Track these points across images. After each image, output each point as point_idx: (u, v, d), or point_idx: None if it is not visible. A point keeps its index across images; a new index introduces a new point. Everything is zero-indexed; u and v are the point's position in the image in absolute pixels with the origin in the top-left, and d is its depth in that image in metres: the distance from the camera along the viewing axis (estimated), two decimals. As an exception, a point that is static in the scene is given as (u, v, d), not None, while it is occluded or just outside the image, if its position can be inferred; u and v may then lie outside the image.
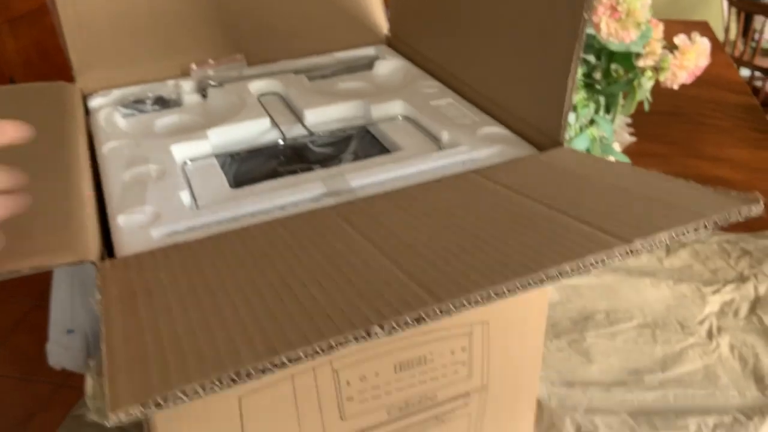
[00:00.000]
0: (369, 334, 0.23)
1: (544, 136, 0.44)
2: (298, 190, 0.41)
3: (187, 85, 0.57)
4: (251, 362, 0.22)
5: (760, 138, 1.05)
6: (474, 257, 0.29)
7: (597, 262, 0.27)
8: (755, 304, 0.72)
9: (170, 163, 0.44)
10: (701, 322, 0.71)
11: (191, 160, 0.46)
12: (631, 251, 0.28)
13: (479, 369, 0.46)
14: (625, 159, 0.79)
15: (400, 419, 0.45)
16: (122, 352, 0.24)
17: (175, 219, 0.38)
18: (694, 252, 0.80)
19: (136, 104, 0.54)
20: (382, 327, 0.24)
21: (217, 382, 0.21)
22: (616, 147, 1.01)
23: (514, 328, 0.44)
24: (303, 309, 0.25)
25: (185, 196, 0.41)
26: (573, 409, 0.60)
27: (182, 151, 0.46)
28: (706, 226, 0.29)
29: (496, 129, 0.48)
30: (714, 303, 0.73)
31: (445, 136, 0.47)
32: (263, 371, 0.22)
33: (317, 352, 0.23)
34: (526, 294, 0.42)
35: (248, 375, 0.22)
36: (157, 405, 0.21)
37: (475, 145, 0.45)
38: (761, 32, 2.04)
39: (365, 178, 0.42)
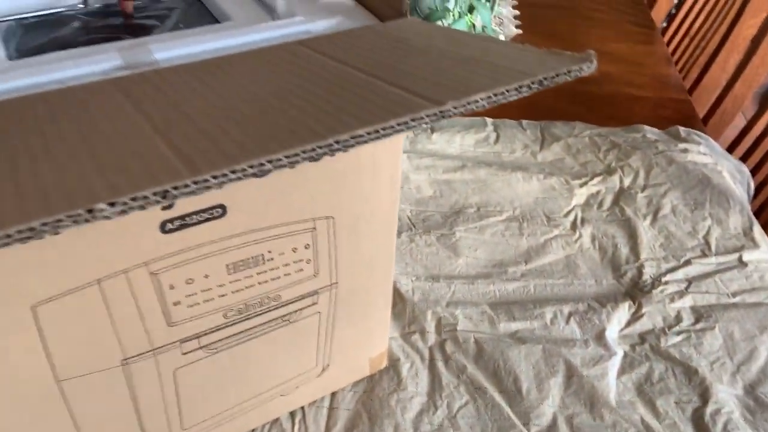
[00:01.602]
0: (92, 214, 0.18)
1: (387, 5, 0.39)
2: (85, 61, 0.34)
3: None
4: None
5: (640, 32, 1.05)
6: (258, 126, 0.24)
7: (400, 126, 0.23)
8: (619, 195, 0.73)
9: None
10: (567, 214, 0.71)
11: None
12: (442, 114, 0.24)
13: (326, 267, 0.43)
14: (504, 49, 0.76)
15: (239, 322, 0.42)
16: None
17: None
18: (566, 146, 0.80)
19: None
20: (112, 205, 0.19)
21: None
22: (501, 39, 0.97)
23: (362, 222, 0.41)
24: (18, 188, 0.20)
25: (-63, 67, 0.33)
26: (435, 302, 0.59)
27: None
28: (530, 86, 0.26)
29: (337, -3, 0.42)
30: (581, 195, 0.73)
31: (280, 5, 0.41)
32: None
33: (14, 239, 0.17)
34: (368, 184, 0.38)
35: None
36: None
37: (312, 16, 0.40)
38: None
39: (174, 49, 0.35)
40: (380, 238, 0.44)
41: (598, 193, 0.74)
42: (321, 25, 0.39)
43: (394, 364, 0.54)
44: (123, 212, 0.19)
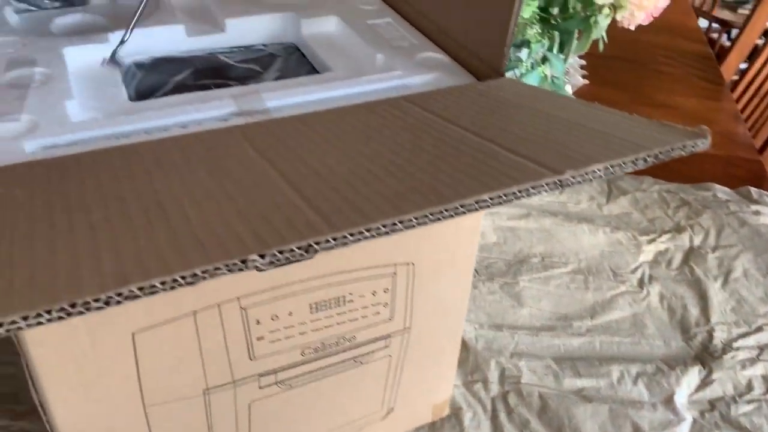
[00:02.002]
0: (246, 264, 0.20)
1: (485, 65, 0.41)
2: (204, 107, 0.36)
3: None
4: (92, 293, 0.18)
5: (710, 88, 1.05)
6: (384, 184, 0.25)
7: (521, 193, 0.24)
8: (689, 255, 0.72)
9: (60, 68, 0.38)
10: (634, 271, 0.70)
11: (87, 65, 0.40)
12: (561, 183, 0.25)
13: (402, 311, 0.43)
14: (575, 101, 0.76)
15: (315, 360, 0.43)
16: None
17: (55, 131, 0.33)
18: (634, 200, 0.79)
19: None
20: (262, 257, 0.20)
21: (45, 315, 0.17)
22: (568, 89, 0.98)
23: (440, 270, 0.41)
24: (172, 232, 0.21)
25: (72, 107, 0.35)
26: (499, 352, 0.59)
27: (77, 54, 0.40)
28: (646, 159, 0.26)
29: (435, 54, 0.43)
30: (648, 252, 0.72)
31: (379, 59, 0.43)
32: (107, 303, 0.18)
33: (179, 283, 0.19)
34: (451, 232, 0.39)
35: (87, 307, 0.18)
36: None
37: (411, 71, 0.41)
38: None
39: (284, 98, 0.37)
40: (456, 285, 0.45)
41: (666, 250, 0.73)
42: (419, 80, 0.41)
43: (456, 412, 0.54)
44: (272, 263, 0.20)
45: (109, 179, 0.26)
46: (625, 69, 1.09)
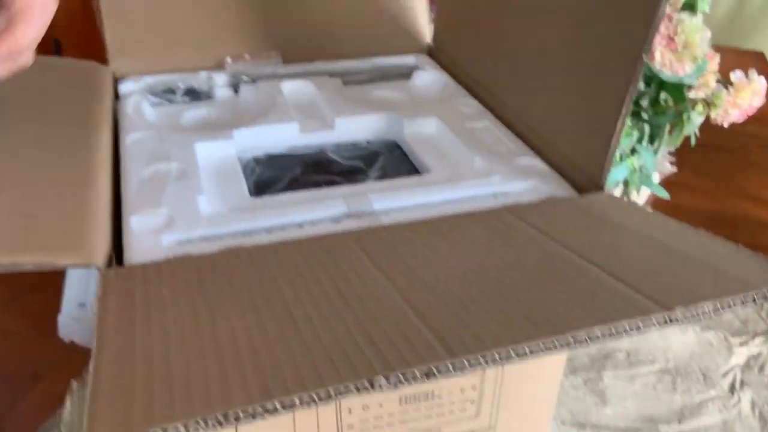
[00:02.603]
0: (372, 385, 0.22)
1: (585, 176, 0.42)
2: (318, 207, 0.39)
3: (220, 79, 0.56)
4: (242, 404, 0.20)
5: (808, 184, 1.01)
6: (497, 306, 0.27)
7: (631, 329, 0.25)
8: (786, 361, 0.68)
9: (192, 163, 0.43)
10: (725, 374, 0.67)
11: (214, 160, 0.45)
12: (671, 320, 0.26)
13: (488, 409, 0.44)
14: (664, 194, 0.76)
15: (401, 451, 0.43)
16: (109, 377, 0.22)
17: (188, 226, 0.36)
18: (727, 299, 0.76)
19: (166, 93, 0.53)
20: (387, 379, 0.22)
21: (202, 424, 0.19)
22: (656, 177, 0.97)
23: (530, 371, 0.42)
24: (305, 347, 0.24)
25: (202, 202, 0.39)
26: (583, 454, 0.57)
27: (206, 150, 0.45)
28: (755, 300, 0.27)
29: (532, 161, 0.45)
30: (740, 355, 0.69)
31: (477, 162, 0.45)
32: (253, 416, 0.20)
33: (314, 400, 0.21)
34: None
35: (236, 418, 0.20)
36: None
37: (509, 177, 0.43)
38: (817, 68, 1.96)
39: (389, 200, 0.40)
40: (545, 386, 0.45)
41: (759, 354, 0.69)
42: (518, 187, 0.42)
43: None
44: (395, 386, 0.22)
45: (242, 284, 0.29)
46: (715, 157, 1.07)
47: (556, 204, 0.38)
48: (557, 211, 0.37)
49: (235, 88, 0.55)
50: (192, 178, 0.41)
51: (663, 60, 0.65)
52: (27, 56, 0.35)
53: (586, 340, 0.25)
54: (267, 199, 0.41)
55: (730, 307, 0.26)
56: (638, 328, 0.25)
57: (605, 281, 0.29)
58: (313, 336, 0.25)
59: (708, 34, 0.64)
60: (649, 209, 0.37)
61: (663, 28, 0.64)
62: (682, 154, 1.02)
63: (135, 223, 0.36)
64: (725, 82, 0.71)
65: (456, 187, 0.42)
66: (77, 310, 0.49)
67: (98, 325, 0.26)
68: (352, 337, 0.25)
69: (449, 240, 0.34)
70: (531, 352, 0.24)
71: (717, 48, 0.69)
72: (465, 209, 0.39)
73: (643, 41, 0.35)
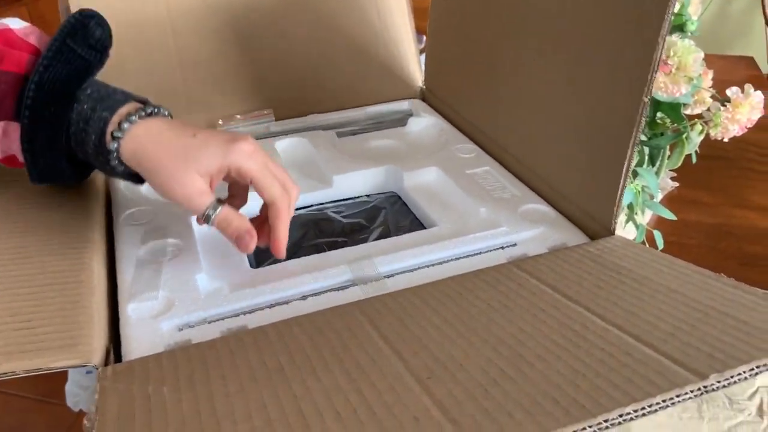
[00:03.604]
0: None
1: (593, 220, 0.40)
2: (321, 275, 0.37)
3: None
4: None
5: (814, 190, 0.99)
6: (518, 386, 0.25)
7: (666, 404, 0.24)
8: (815, 380, 0.66)
9: (188, 238, 0.41)
10: (751, 397, 0.65)
11: (213, 231, 0.43)
12: (706, 390, 0.24)
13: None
14: (670, 215, 0.74)
15: None
16: None
17: (188, 308, 0.35)
18: (747, 319, 0.74)
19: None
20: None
21: None
22: (659, 195, 0.96)
23: None
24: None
25: (202, 280, 0.38)
26: (616, 500, 0.55)
27: (202, 222, 0.44)
28: (791, 357, 0.25)
29: (538, 206, 0.44)
30: (764, 375, 0.67)
31: (482, 212, 0.44)
32: None
33: None
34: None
35: None
36: None
37: (516, 226, 0.42)
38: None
39: (395, 263, 0.39)
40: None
41: (786, 374, 0.67)
42: (525, 236, 0.41)
43: None
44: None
45: (248, 378, 0.28)
46: (717, 169, 1.06)
47: (567, 254, 0.37)
48: (569, 264, 0.35)
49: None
50: (190, 255, 0.40)
51: (657, 83, 0.64)
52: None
53: (619, 422, 0.23)
54: (268, 270, 0.39)
55: (766, 367, 0.25)
56: (673, 404, 0.24)
57: (631, 347, 0.27)
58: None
59: (701, 54, 0.63)
60: (668, 256, 0.35)
61: (655, 52, 0.64)
62: (682, 169, 1.00)
63: (132, 311, 0.35)
64: (722, 98, 0.70)
65: (462, 242, 0.40)
66: (84, 377, 0.47)
67: (97, 437, 0.25)
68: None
69: (460, 307, 0.32)
70: (561, 442, 0.22)
71: (707, 57, 0.69)
72: (473, 264, 0.38)
73: (644, 83, 0.34)
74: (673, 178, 1.03)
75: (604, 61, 0.38)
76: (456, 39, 0.56)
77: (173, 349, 0.31)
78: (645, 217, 0.89)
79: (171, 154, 0.35)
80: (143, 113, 0.36)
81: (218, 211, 0.36)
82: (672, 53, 0.64)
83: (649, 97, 0.34)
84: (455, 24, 0.56)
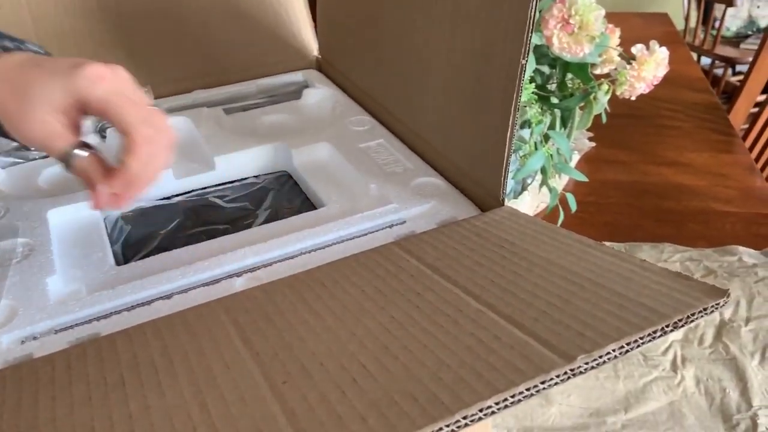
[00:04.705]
0: None
1: (484, 191, 0.39)
2: (189, 270, 0.34)
3: (83, 125, 0.50)
4: None
5: (722, 140, 1.02)
6: (377, 384, 0.23)
7: (530, 392, 0.22)
8: (720, 329, 0.68)
9: (43, 235, 0.37)
10: (665, 352, 0.66)
11: (73, 226, 0.39)
12: (573, 373, 0.23)
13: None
14: (583, 177, 0.74)
15: None
16: None
17: (33, 317, 0.31)
18: (658, 275, 0.75)
19: (19, 151, 0.47)
20: None
21: None
22: (575, 156, 0.96)
23: None
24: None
25: (54, 282, 0.34)
26: (531, 464, 0.55)
27: (63, 215, 0.39)
28: (665, 330, 0.24)
29: (430, 180, 0.42)
30: (680, 330, 0.68)
31: (373, 189, 0.41)
32: None
33: None
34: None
35: None
36: None
37: (406, 202, 0.39)
38: (721, 20, 2.03)
39: (275, 249, 0.36)
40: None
41: (697, 326, 0.69)
42: (415, 212, 0.39)
43: None
44: None
45: (81, 398, 0.24)
46: (630, 126, 1.07)
47: (453, 230, 0.35)
48: (454, 240, 0.33)
49: (102, 133, 0.49)
50: (42, 255, 0.36)
51: (561, 44, 0.63)
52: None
53: (480, 417, 0.21)
54: (133, 267, 0.36)
55: (638, 345, 0.23)
56: (538, 391, 0.22)
57: (501, 329, 0.25)
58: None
59: (602, 12, 0.62)
60: (552, 227, 0.34)
61: (556, 11, 0.62)
62: (598, 129, 1.01)
63: (-33, 326, 0.31)
64: (628, 57, 0.69)
65: (348, 223, 0.38)
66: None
67: None
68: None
69: (334, 297, 0.30)
70: (414, 444, 0.20)
71: (620, 15, 0.68)
72: (359, 246, 0.35)
73: (520, 45, 0.32)
74: (590, 138, 1.03)
75: (480, 23, 0.35)
76: (347, 4, 0.53)
77: (5, 368, 0.28)
78: (563, 180, 0.89)
79: (14, 92, 0.29)
80: None
81: (77, 157, 0.30)
82: (573, 12, 0.63)
83: (526, 59, 0.32)
84: (345, -13, 0.52)
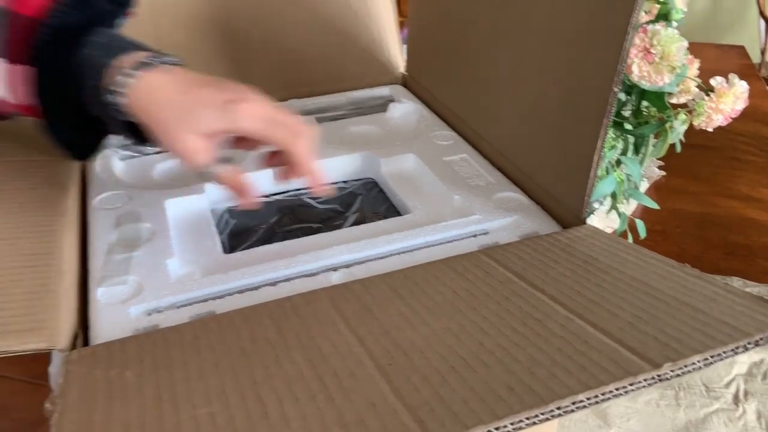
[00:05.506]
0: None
1: (565, 209, 0.41)
2: (292, 262, 0.37)
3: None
4: None
5: (796, 179, 1.00)
6: (476, 375, 0.25)
7: (619, 392, 0.24)
8: (788, 368, 0.67)
9: (162, 222, 0.41)
10: (727, 385, 0.66)
11: (186, 216, 0.43)
12: (659, 378, 0.24)
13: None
14: (653, 204, 0.75)
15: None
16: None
17: (157, 293, 0.35)
18: (725, 307, 0.75)
19: (135, 145, 0.51)
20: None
21: None
22: (644, 183, 0.96)
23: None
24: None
25: (173, 265, 0.38)
26: (588, 484, 0.56)
27: (177, 206, 0.44)
28: (746, 347, 0.25)
29: (512, 194, 0.44)
30: (742, 363, 0.68)
31: (456, 200, 0.44)
32: None
33: None
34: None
35: None
36: None
37: (489, 214, 0.42)
38: (799, 55, 1.97)
39: (366, 249, 0.39)
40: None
41: (761, 362, 0.68)
42: (498, 224, 0.41)
43: None
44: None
45: (210, 363, 0.28)
46: (702, 158, 1.06)
47: (536, 243, 0.37)
48: (538, 252, 0.36)
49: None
50: (162, 239, 0.40)
51: (641, 72, 0.64)
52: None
53: (572, 409, 0.23)
54: (240, 256, 0.39)
55: (721, 359, 0.25)
56: (626, 392, 0.24)
57: (590, 335, 0.27)
58: (283, 424, 0.23)
59: (685, 43, 0.63)
60: (635, 246, 0.35)
61: (638, 40, 0.63)
62: (669, 158, 1.01)
63: (101, 295, 0.35)
64: (706, 88, 0.70)
65: (434, 230, 0.40)
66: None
67: (57, 421, 0.25)
68: (324, 420, 0.23)
69: (427, 295, 0.32)
70: (513, 426, 0.23)
71: (696, 46, 0.68)
72: (444, 252, 0.38)
73: (613, 73, 0.34)
74: (660, 167, 1.03)
75: (574, 48, 0.38)
76: (436, 24, 0.56)
77: (139, 334, 0.31)
78: (630, 206, 0.89)
79: (166, 112, 0.34)
80: (145, 64, 0.34)
81: (215, 170, 0.35)
82: (655, 42, 0.64)
83: (618, 87, 0.34)
84: (436, 9, 0.56)
